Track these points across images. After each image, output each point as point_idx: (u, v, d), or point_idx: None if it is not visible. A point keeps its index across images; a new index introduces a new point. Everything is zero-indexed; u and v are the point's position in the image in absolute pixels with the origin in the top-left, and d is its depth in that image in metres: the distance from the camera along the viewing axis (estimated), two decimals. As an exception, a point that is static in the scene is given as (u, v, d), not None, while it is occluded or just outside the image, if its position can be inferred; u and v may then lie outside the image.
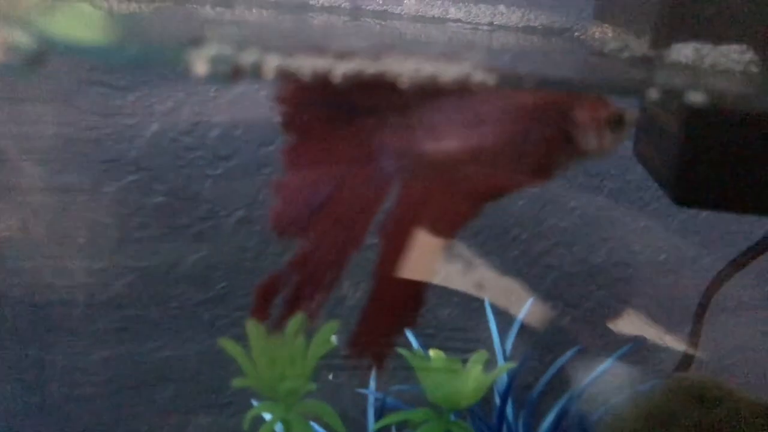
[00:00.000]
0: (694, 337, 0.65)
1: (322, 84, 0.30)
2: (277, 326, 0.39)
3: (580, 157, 0.39)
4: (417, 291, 0.38)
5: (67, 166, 0.72)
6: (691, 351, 0.65)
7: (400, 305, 0.39)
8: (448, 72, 0.29)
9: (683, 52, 0.40)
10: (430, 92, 0.35)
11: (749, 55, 0.39)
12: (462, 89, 0.34)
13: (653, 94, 0.36)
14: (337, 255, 0.38)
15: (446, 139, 0.37)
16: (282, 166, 0.38)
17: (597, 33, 0.52)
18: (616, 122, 0.38)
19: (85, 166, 0.72)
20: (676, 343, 0.82)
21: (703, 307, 0.63)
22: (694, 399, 0.44)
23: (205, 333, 0.78)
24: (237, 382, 0.51)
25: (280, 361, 0.50)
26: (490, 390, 0.63)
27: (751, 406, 0.42)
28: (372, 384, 0.64)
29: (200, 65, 0.26)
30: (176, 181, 0.74)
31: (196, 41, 0.27)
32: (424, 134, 0.37)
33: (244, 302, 0.78)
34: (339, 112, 0.37)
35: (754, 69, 0.39)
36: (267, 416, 0.54)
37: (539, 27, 0.55)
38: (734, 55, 0.40)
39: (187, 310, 0.77)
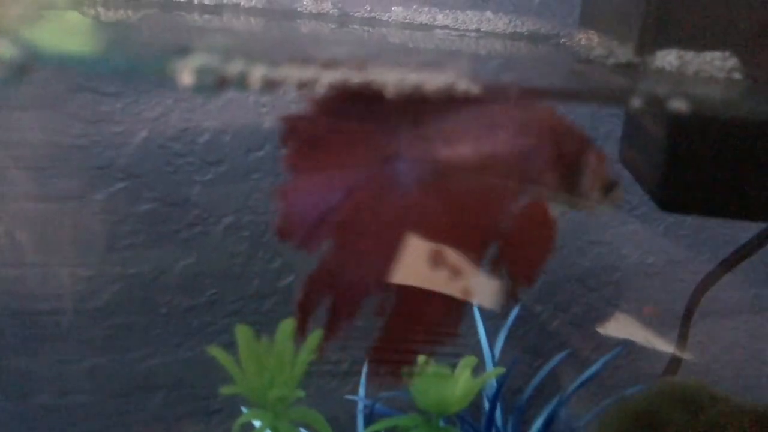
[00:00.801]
0: (681, 341, 0.65)
1: (330, 92, 0.30)
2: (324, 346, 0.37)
3: (571, 194, 0.38)
4: (453, 307, 0.37)
5: (55, 174, 0.71)
6: (678, 354, 0.65)
7: (428, 319, 0.37)
8: (432, 81, 0.29)
9: (667, 58, 0.40)
10: (445, 99, 0.34)
11: (732, 62, 0.40)
12: (478, 99, 0.33)
13: (638, 100, 0.37)
14: (369, 271, 0.36)
15: (461, 149, 0.36)
16: (285, 172, 0.37)
17: (583, 39, 0.52)
18: (609, 186, 0.38)
19: (73, 173, 0.72)
20: (663, 347, 0.83)
21: (690, 311, 0.64)
22: (682, 403, 0.44)
23: (194, 340, 0.78)
24: (226, 390, 0.51)
25: (268, 368, 0.50)
26: (480, 395, 0.63)
27: (738, 410, 0.42)
28: (361, 390, 0.64)
29: (185, 76, 0.26)
30: (165, 188, 0.73)
31: (182, 51, 0.27)
32: (439, 143, 0.36)
33: (233, 308, 0.78)
34: (348, 118, 0.36)
35: (737, 76, 0.39)
36: (257, 423, 0.54)
37: (526, 33, 0.56)
38: (717, 62, 0.40)
39: (175, 317, 0.77)
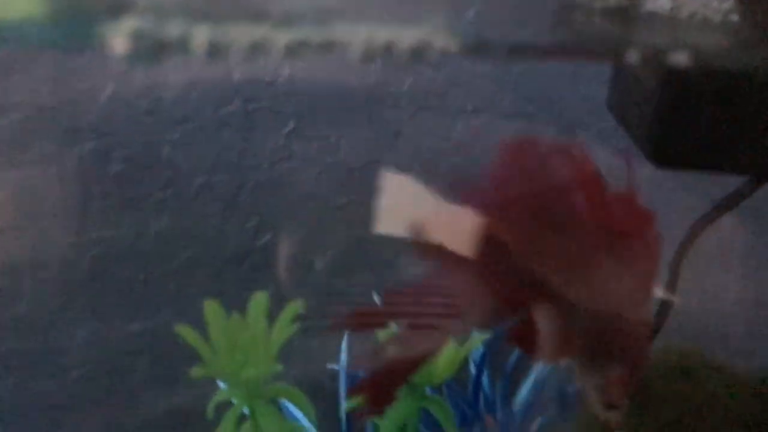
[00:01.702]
0: (670, 287, 0.64)
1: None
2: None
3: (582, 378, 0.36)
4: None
5: (26, 136, 0.68)
6: (668, 301, 0.64)
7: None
8: (406, 38, 0.26)
9: (659, 1, 0.38)
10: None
11: (728, 4, 0.37)
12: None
13: (629, 48, 0.34)
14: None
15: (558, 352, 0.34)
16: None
17: (568, -18, 0.49)
18: (613, 406, 0.35)
19: (43, 134, 0.69)
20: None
21: (680, 256, 0.62)
22: (678, 373, 0.42)
23: (174, 304, 0.76)
24: (195, 372, 0.48)
25: (241, 346, 0.47)
26: (467, 360, 0.62)
27: (736, 381, 0.41)
28: (343, 357, 0.62)
29: (118, 41, 0.23)
30: (135, 148, 0.71)
31: (114, 12, 0.23)
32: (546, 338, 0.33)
33: (209, 271, 0.76)
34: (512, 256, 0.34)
35: (733, 18, 0.37)
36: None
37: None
38: (713, 4, 0.37)
39: (152, 282, 0.75)
